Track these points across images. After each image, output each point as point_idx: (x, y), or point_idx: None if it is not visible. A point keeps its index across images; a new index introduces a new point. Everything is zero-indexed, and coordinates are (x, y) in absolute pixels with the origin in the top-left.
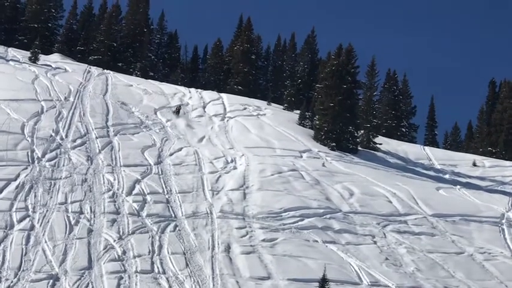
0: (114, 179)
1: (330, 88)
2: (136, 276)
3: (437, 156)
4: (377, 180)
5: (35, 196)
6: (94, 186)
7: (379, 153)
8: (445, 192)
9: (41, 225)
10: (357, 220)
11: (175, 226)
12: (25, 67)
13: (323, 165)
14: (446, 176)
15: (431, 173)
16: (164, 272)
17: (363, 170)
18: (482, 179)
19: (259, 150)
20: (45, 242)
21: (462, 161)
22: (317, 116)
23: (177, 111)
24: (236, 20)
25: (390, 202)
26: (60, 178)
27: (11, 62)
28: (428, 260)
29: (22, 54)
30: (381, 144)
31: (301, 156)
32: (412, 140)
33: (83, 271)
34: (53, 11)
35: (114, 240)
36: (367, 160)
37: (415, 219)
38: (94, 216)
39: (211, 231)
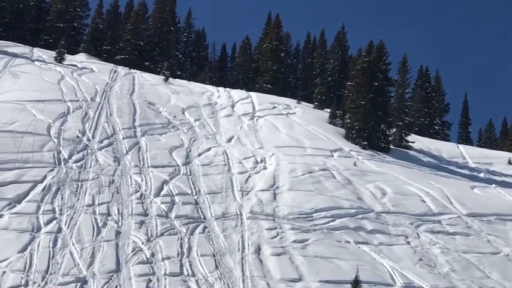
0: (142, 180)
1: (361, 86)
2: (165, 278)
3: (471, 154)
4: (410, 179)
5: (62, 198)
6: (121, 188)
7: (411, 152)
8: (479, 191)
9: (68, 228)
10: (390, 220)
11: (205, 228)
12: (51, 67)
13: (354, 164)
14: (481, 175)
15: (466, 171)
16: (193, 275)
17: (395, 169)
18: None
19: (290, 150)
20: (73, 244)
21: (497, 159)
22: (348, 115)
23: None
24: (265, 17)
25: (423, 202)
26: (87, 180)
27: (36, 63)
28: (463, 261)
29: (47, 54)
30: (413, 142)
31: (332, 156)
32: (445, 138)
33: (111, 274)
34: (79, 10)
35: (143, 243)
36: (400, 159)
37: (449, 218)
38: (122, 218)
39: (241, 232)
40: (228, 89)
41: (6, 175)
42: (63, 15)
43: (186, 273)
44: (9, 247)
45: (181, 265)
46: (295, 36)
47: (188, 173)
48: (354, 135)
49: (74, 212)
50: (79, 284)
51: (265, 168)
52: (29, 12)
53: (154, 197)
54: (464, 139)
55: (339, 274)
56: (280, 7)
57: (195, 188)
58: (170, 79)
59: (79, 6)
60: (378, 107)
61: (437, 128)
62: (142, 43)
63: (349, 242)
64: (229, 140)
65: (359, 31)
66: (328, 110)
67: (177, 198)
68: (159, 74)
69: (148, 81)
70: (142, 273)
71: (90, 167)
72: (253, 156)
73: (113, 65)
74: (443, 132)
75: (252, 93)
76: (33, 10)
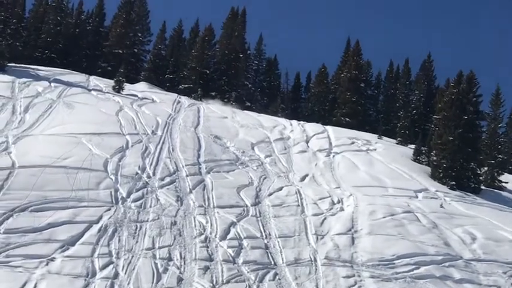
0: (207, 222)
1: (448, 120)
2: None
3: None
4: (503, 223)
5: (119, 240)
6: (184, 230)
7: (504, 193)
8: None
9: (125, 273)
10: (480, 269)
11: (275, 274)
12: (108, 97)
13: (441, 206)
14: None
15: None
16: None
17: (487, 211)
18: None
19: (369, 190)
20: None
21: None
22: (434, 151)
23: None
24: (343, 44)
25: None
26: (147, 220)
27: (93, 92)
28: None
29: (105, 83)
30: (507, 182)
31: (417, 197)
32: None
33: None
34: (139, 35)
35: None
36: (492, 201)
37: None
38: (184, 263)
39: (315, 280)
40: (302, 122)
41: (59, 215)
42: (122, 41)
43: None
44: None
45: None
46: (376, 65)
47: (257, 215)
48: (441, 174)
49: (132, 256)
50: None
51: (342, 209)
52: (85, 37)
53: (220, 241)
54: None
55: None
56: (359, 33)
57: (265, 231)
58: (239, 111)
59: (140, 30)
60: (467, 143)
61: None
62: (208, 71)
63: None
64: (303, 178)
65: (446, 60)
66: (413, 146)
67: (245, 242)
68: (226, 105)
69: (214, 113)
70: None
71: (150, 206)
72: (329, 196)
73: (176, 95)
74: None
75: (329, 127)
76: (90, 35)
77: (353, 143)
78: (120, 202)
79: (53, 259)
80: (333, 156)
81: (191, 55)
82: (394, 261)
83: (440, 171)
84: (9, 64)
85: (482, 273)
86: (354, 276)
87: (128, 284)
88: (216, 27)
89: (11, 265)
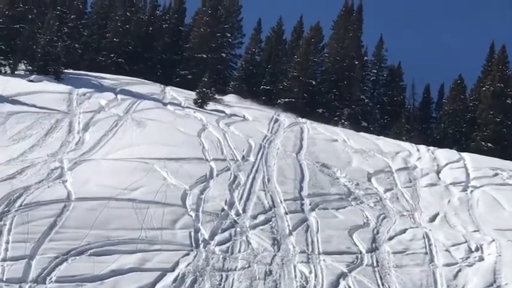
0: (310, 272)
1: None
2: None
3: None
4: None
5: None
6: (282, 282)
7: None
8: None
9: None
10: None
11: None
12: (188, 113)
13: None
14: None
15: None
16: None
17: None
18: None
19: None
20: None
21: None
22: None
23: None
24: (485, 50)
25: None
26: (235, 269)
27: (169, 106)
28: None
29: (184, 96)
30: None
31: None
32: None
33: None
34: (228, 35)
35: None
36: None
37: None
38: None
39: None
40: (431, 147)
41: (125, 260)
42: (207, 43)
43: None
44: None
45: None
46: None
47: (374, 264)
48: None
49: None
50: None
51: (482, 259)
52: (161, 37)
53: None
54: None
55: None
56: (507, 36)
57: (383, 285)
58: (352, 132)
59: (229, 30)
60: None
61: None
62: (314, 82)
63: None
64: (433, 218)
65: None
66: None
67: None
68: (337, 125)
69: (321, 135)
70: None
71: (240, 251)
72: (466, 242)
73: (274, 111)
74: None
75: (466, 155)
76: (167, 35)
77: (496, 174)
78: (201, 245)
79: None
80: (471, 191)
81: (293, 61)
82: None
83: None
84: (65, 71)
85: None
86: None
87: None
88: (325, 26)
89: None
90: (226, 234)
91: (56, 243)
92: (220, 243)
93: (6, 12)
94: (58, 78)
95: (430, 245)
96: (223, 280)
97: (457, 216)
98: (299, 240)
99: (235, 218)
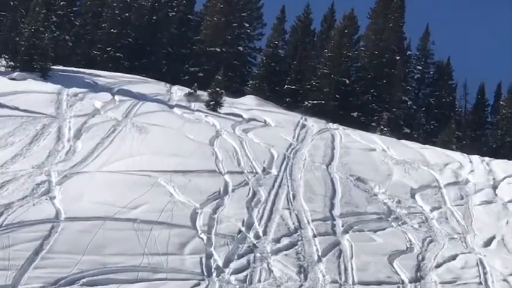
0: None
1: None
2: None
3: None
4: None
5: None
6: None
7: None
8: None
9: None
10: None
11: None
12: (199, 118)
13: None
14: None
15: None
16: None
17: None
18: None
19: None
20: None
21: None
22: None
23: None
24: None
25: None
26: None
27: (176, 109)
28: None
29: (195, 97)
30: None
31: None
32: None
33: None
34: (246, 25)
35: None
36: None
37: None
38: None
39: None
40: (487, 158)
41: None
42: (221, 35)
43: None
44: None
45: None
46: None
47: None
48: None
49: None
50: None
51: None
52: (166, 28)
53: None
54: None
55: None
56: None
57: None
58: (393, 140)
59: (248, 19)
60: None
61: None
62: (348, 80)
63: None
64: (488, 242)
65: None
66: None
67: None
68: (374, 132)
69: (356, 143)
70: None
71: (260, 281)
72: None
73: (300, 115)
74: None
75: None
76: (174, 25)
77: None
78: (214, 274)
79: None
80: None
81: (323, 56)
82: None
83: None
84: (54, 67)
85: None
86: None
87: None
88: (361, 14)
89: None
90: (243, 260)
91: (42, 271)
92: (236, 272)
93: None
94: (45, 75)
95: (485, 273)
96: None
97: None
98: (330, 268)
99: (255, 242)
